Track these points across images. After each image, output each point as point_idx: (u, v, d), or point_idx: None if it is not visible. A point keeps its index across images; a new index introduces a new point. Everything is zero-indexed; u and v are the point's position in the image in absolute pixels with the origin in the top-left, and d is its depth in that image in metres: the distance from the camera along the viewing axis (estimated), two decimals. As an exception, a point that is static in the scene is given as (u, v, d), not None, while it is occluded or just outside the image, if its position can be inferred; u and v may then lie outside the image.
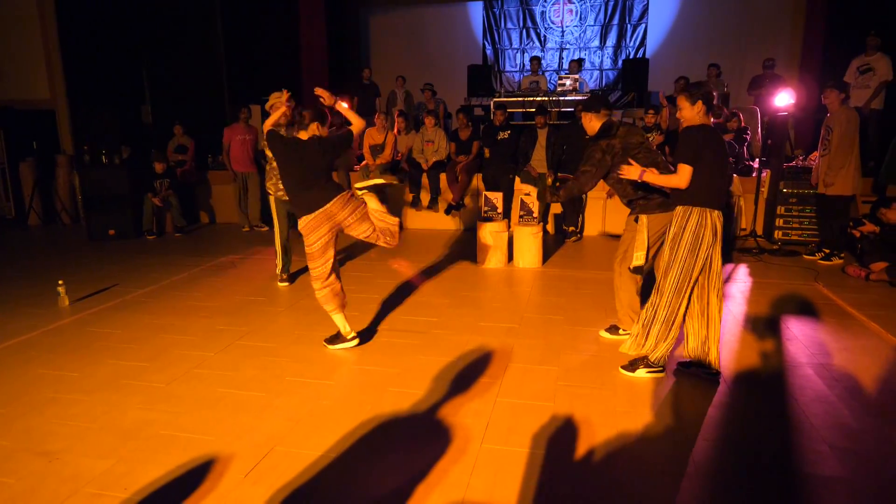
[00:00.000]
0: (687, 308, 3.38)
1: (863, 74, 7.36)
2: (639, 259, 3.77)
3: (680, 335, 3.43)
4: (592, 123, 3.91)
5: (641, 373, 3.46)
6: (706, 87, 3.29)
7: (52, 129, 9.60)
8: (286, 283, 5.58)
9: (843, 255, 6.11)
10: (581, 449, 2.74)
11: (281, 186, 4.91)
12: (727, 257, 6.24)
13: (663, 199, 3.67)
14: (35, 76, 9.47)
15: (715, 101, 3.29)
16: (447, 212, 7.95)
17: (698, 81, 3.30)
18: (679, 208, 3.29)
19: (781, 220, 6.91)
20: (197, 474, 2.59)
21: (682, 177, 3.20)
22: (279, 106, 4.94)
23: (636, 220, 3.87)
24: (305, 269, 5.36)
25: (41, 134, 9.42)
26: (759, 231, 7.04)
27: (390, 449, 2.79)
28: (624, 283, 4.03)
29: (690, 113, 3.27)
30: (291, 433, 2.93)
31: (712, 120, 3.35)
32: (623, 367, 3.54)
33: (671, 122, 8.26)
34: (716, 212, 3.22)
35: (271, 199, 5.47)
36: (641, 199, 3.80)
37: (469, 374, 3.59)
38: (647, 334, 3.39)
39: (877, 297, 4.93)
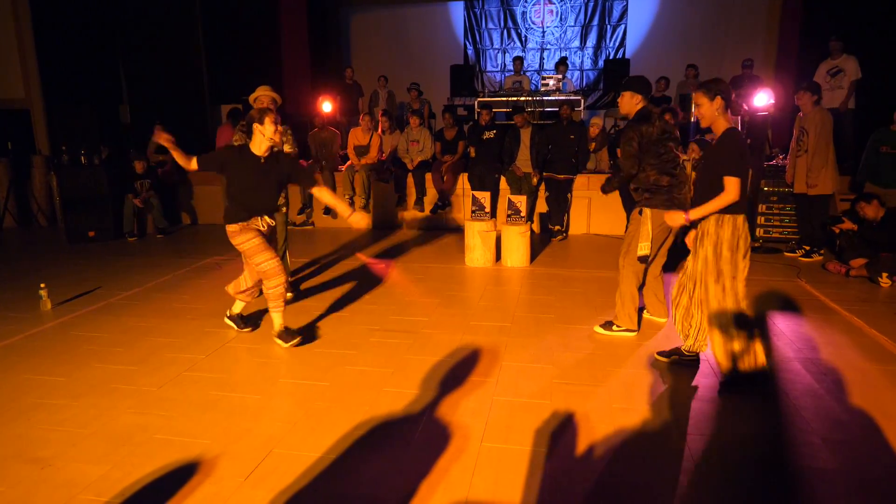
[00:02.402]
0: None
1: (833, 77, 7.56)
2: (644, 249, 3.88)
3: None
4: (632, 102, 3.88)
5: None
6: (724, 82, 3.19)
7: (28, 130, 9.38)
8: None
9: (822, 251, 6.24)
10: (581, 446, 2.76)
11: None
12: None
13: (667, 198, 3.83)
14: (9, 75, 9.25)
15: (733, 100, 3.22)
16: (433, 212, 7.94)
17: (716, 78, 3.25)
18: (726, 217, 3.19)
19: (763, 219, 7.03)
20: (195, 478, 2.55)
21: (731, 191, 3.08)
22: (264, 100, 4.81)
23: (640, 213, 3.94)
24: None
25: (16, 134, 9.20)
26: (741, 229, 7.14)
27: (390, 449, 2.78)
28: (626, 276, 4.06)
29: (709, 109, 3.19)
30: (289, 435, 2.90)
31: (731, 117, 3.27)
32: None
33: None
34: (742, 216, 3.21)
35: None
36: (647, 192, 3.92)
37: (463, 373, 3.59)
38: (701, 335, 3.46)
39: (858, 293, 5.04)
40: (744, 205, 3.18)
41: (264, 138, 3.80)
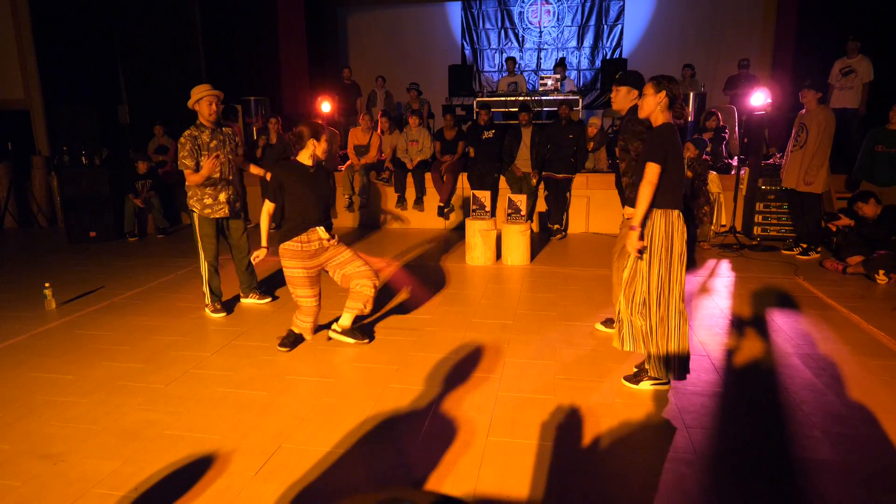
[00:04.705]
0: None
1: (846, 76, 7.61)
2: None
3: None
4: (628, 98, 3.81)
5: (645, 385, 3.32)
6: (676, 85, 3.19)
7: (27, 130, 9.38)
8: (222, 314, 4.76)
9: (819, 249, 6.31)
10: (585, 439, 2.81)
11: (207, 203, 4.60)
12: (691, 257, 6.31)
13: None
14: (8, 76, 9.25)
15: (679, 103, 3.18)
16: (439, 213, 7.98)
17: (671, 77, 3.23)
18: (657, 212, 3.14)
19: (760, 217, 7.10)
20: (206, 473, 2.59)
21: (649, 177, 3.08)
22: (210, 99, 4.48)
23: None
24: (237, 298, 5.13)
25: (15, 135, 9.20)
26: (739, 227, 7.22)
27: (397, 443, 2.82)
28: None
29: (652, 101, 3.18)
30: (297, 430, 2.94)
31: (673, 120, 3.23)
32: (626, 379, 3.40)
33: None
34: (677, 211, 3.16)
35: (195, 216, 4.67)
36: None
37: (467, 369, 3.63)
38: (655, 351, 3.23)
39: (855, 290, 5.10)
40: (678, 201, 3.14)
41: (314, 152, 3.84)
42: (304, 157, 3.86)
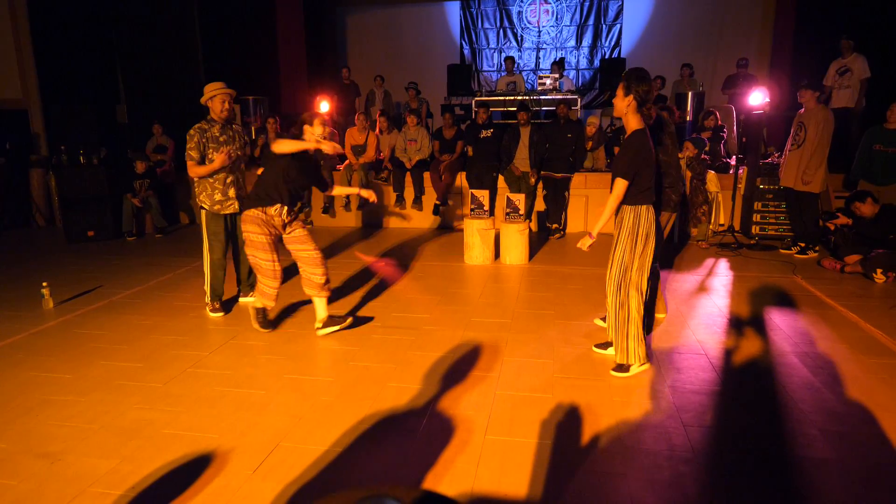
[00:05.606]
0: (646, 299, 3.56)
1: (842, 76, 7.63)
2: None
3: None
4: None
5: (634, 369, 3.49)
6: (646, 87, 3.23)
7: (25, 130, 9.37)
8: (221, 313, 4.74)
9: (817, 248, 6.31)
10: (583, 438, 2.81)
11: (217, 199, 4.59)
12: (673, 250, 6.45)
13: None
14: (6, 75, 9.24)
15: (647, 106, 3.28)
16: (435, 212, 7.98)
17: (644, 78, 3.25)
18: (627, 208, 3.42)
19: (758, 216, 7.10)
20: (204, 471, 2.59)
21: (615, 191, 3.37)
22: (223, 97, 4.52)
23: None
24: (235, 299, 5.12)
25: (13, 135, 9.19)
26: (737, 226, 7.23)
27: (395, 442, 2.82)
28: None
29: (622, 103, 3.31)
30: (295, 429, 2.94)
31: (643, 120, 3.35)
32: (614, 370, 3.53)
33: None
34: (645, 206, 3.41)
35: (203, 213, 4.67)
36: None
37: (465, 368, 3.63)
38: (627, 339, 3.50)
39: (853, 289, 5.11)
40: (649, 196, 3.39)
41: (312, 138, 3.96)
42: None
